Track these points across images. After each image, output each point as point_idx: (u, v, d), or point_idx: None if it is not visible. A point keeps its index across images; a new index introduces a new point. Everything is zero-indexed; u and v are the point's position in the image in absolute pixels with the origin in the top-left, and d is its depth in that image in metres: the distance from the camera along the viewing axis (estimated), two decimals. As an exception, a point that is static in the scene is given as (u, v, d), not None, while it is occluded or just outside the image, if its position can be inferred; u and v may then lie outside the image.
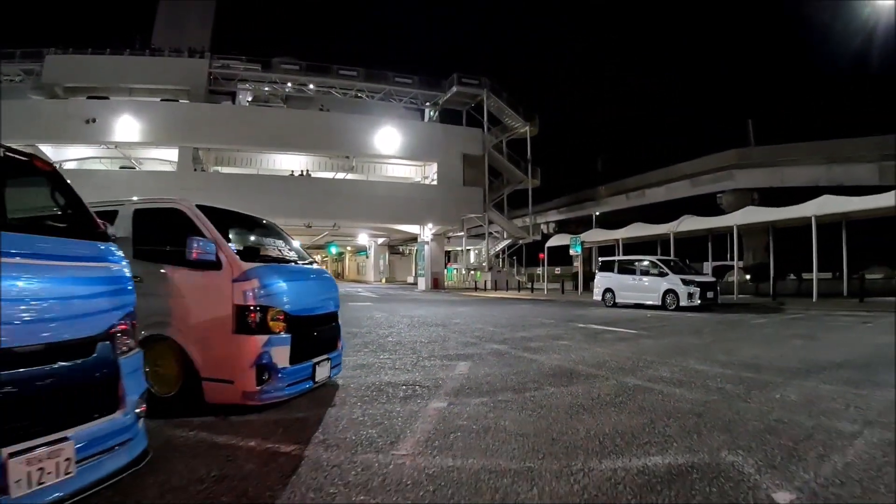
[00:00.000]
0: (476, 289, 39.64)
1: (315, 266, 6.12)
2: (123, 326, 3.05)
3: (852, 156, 32.27)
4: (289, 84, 44.23)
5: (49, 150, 38.33)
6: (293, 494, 3.03)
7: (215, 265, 4.66)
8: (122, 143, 39.33)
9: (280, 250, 5.89)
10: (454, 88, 43.55)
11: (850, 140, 32.81)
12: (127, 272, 3.21)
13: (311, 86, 44.41)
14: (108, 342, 2.89)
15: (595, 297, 22.04)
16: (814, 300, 19.63)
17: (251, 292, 4.65)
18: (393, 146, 41.56)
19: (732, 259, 26.51)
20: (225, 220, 5.42)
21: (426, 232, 42.11)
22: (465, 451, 3.81)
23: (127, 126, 38.16)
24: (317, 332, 5.35)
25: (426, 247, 42.18)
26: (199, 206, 5.20)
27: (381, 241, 59.60)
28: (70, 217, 3.25)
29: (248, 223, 6.12)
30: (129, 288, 3.18)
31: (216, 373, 4.62)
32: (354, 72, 44.58)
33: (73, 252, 2.91)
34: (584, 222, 50.65)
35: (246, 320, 4.60)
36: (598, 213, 50.28)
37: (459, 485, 3.19)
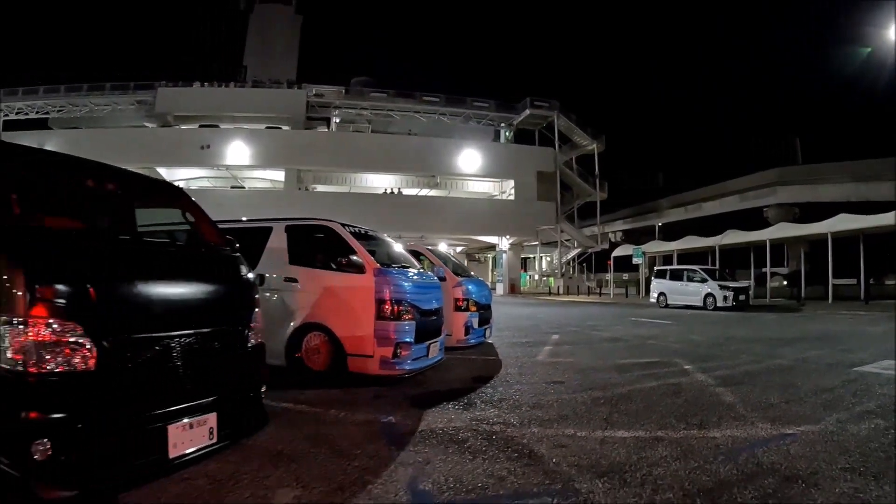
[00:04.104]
0: (549, 293, 44.28)
1: (479, 277, 11.47)
2: (440, 306, 8.25)
3: (876, 174, 35.57)
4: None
5: (164, 172, 44.87)
6: (508, 367, 8.22)
7: (443, 279, 9.87)
8: (233, 166, 45.40)
9: (465, 269, 11.26)
10: (527, 111, 47.67)
11: (874, 160, 36.20)
12: (440, 285, 8.41)
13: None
14: (440, 311, 8.06)
15: (651, 300, 26.79)
16: (829, 302, 23.83)
17: (461, 292, 9.88)
18: (474, 166, 46.26)
19: (772, 267, 30.63)
20: (437, 254, 10.76)
21: (504, 242, 47.16)
22: (566, 358, 9.08)
23: (238, 151, 44.08)
24: (485, 312, 10.57)
25: (504, 255, 47.19)
26: (432, 250, 10.63)
27: (459, 249, 64.66)
28: (398, 258, 8.48)
29: (444, 256, 11.43)
30: (441, 291, 8.36)
31: (447, 330, 9.83)
32: (436, 97, 49.18)
33: (432, 278, 8.18)
34: (647, 232, 54.67)
35: (459, 305, 9.82)
36: (660, 224, 54.31)
37: (565, 365, 8.37)
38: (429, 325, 7.32)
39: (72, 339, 2.94)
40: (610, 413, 5.34)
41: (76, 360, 2.95)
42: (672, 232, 46.92)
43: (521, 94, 49.34)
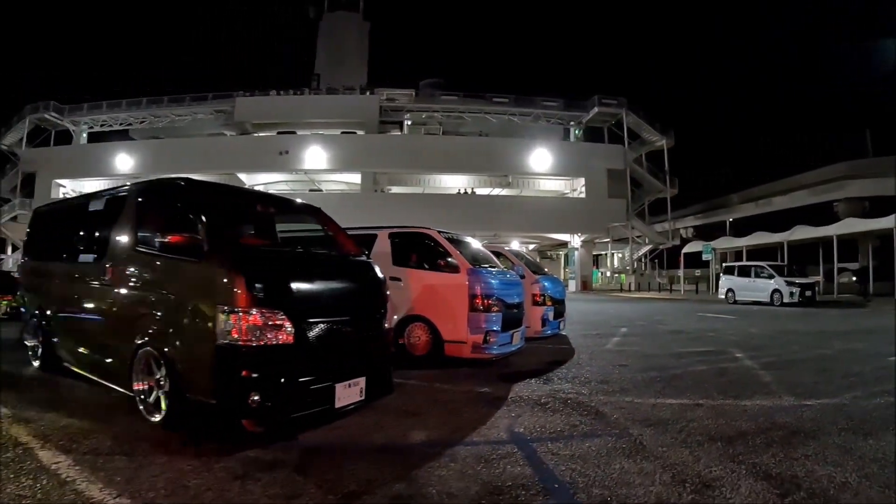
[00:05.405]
0: (621, 290, 44.68)
1: (553, 275, 12.68)
2: (521, 300, 9.51)
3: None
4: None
5: (244, 178, 47.46)
6: (580, 354, 9.42)
7: (522, 277, 11.10)
8: (310, 170, 47.41)
9: (540, 267, 12.49)
10: (595, 109, 47.76)
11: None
12: (521, 282, 9.67)
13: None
14: (522, 304, 9.32)
15: (720, 296, 27.14)
16: (895, 298, 23.81)
17: (538, 288, 11.09)
18: (544, 165, 46.77)
19: (840, 263, 30.43)
20: (515, 254, 12.03)
21: (576, 240, 47.72)
22: (631, 347, 10.20)
23: (315, 155, 46.01)
24: (560, 306, 11.76)
25: (576, 253, 47.75)
26: (510, 250, 11.90)
27: (531, 247, 65.19)
28: (483, 259, 9.76)
29: (522, 255, 12.68)
30: (522, 287, 9.61)
31: (526, 323, 11.07)
32: (506, 98, 49.74)
33: (514, 276, 9.46)
34: (718, 227, 53.88)
35: (537, 300, 11.04)
36: (731, 220, 53.54)
37: (630, 353, 9.51)
38: (512, 317, 8.52)
39: (278, 322, 4.32)
40: (663, 387, 6.52)
41: (281, 337, 4.33)
42: (743, 227, 46.42)
43: (587, 92, 49.44)
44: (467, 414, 5.31)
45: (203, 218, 4.71)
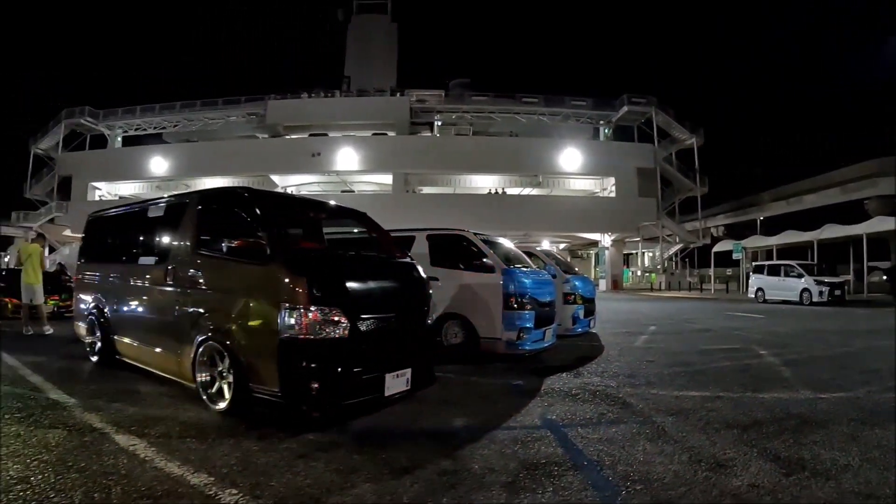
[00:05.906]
0: (652, 289, 44.42)
1: (583, 275, 13.06)
2: (553, 299, 9.90)
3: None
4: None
5: (277, 179, 48.31)
6: (609, 350, 9.78)
7: (554, 276, 11.47)
8: (342, 172, 47.91)
9: (571, 267, 12.87)
10: (625, 108, 47.43)
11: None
12: (553, 281, 10.07)
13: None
14: (553, 303, 9.70)
15: (749, 295, 27.07)
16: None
17: (569, 287, 11.45)
18: (574, 164, 46.55)
19: (871, 262, 30.09)
20: (547, 254, 12.41)
21: (606, 239, 47.55)
22: (659, 344, 10.52)
23: (347, 157, 46.50)
24: (590, 305, 12.12)
25: (606, 252, 47.62)
26: (542, 250, 12.29)
27: (562, 246, 64.75)
28: (516, 259, 10.17)
29: (553, 256, 13.08)
30: (553, 286, 9.99)
31: (557, 320, 11.41)
32: (535, 98, 49.73)
33: (546, 275, 9.87)
34: (749, 226, 53.00)
35: (568, 299, 11.41)
36: (761, 218, 52.73)
37: (658, 350, 9.85)
38: (545, 315, 8.87)
39: (335, 319, 4.75)
40: (687, 381, 6.88)
41: (338, 331, 4.76)
42: (773, 225, 45.85)
43: (610, 91, 49.30)
44: (503, 403, 5.73)
45: (265, 225, 5.16)
